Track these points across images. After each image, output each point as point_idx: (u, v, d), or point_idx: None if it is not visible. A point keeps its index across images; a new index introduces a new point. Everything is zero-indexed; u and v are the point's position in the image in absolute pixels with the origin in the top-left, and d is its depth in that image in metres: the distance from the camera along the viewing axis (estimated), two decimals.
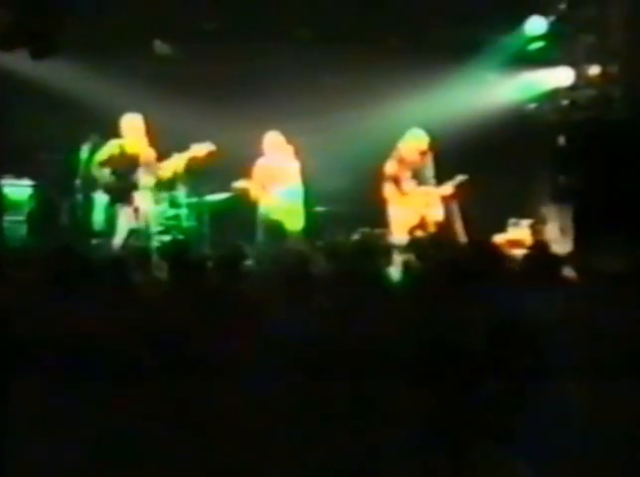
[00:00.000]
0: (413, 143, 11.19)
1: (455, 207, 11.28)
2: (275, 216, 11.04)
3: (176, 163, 10.76)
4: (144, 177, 10.61)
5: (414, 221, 11.05)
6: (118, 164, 10.60)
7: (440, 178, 11.30)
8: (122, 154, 10.61)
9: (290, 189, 11.08)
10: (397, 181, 11.15)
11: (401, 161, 11.17)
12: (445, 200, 11.27)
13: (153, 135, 10.68)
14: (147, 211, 10.68)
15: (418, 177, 11.21)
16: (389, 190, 11.14)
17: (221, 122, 11.54)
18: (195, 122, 11.55)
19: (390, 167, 11.14)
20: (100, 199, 10.84)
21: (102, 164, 10.59)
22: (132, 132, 10.61)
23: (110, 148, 10.63)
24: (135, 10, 12.26)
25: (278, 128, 11.18)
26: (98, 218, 10.92)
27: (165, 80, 12.38)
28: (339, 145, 12.11)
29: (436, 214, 11.20)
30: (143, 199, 10.63)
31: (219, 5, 12.54)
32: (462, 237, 10.94)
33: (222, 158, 10.86)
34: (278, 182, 11.05)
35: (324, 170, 11.94)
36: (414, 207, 11.11)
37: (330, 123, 12.11)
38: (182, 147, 10.84)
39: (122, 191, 10.57)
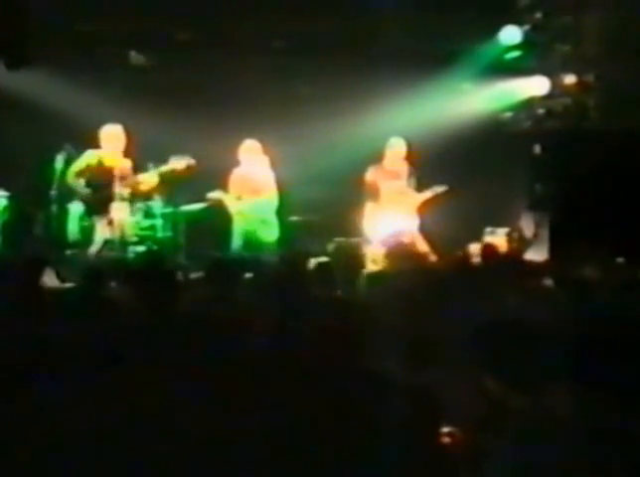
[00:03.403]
0: (393, 152, 11.22)
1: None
2: (250, 226, 11.01)
3: (153, 176, 10.76)
4: (120, 188, 10.58)
5: (389, 230, 11.06)
6: (95, 174, 10.57)
7: (417, 187, 11.33)
8: (99, 164, 10.58)
9: (265, 199, 11.06)
10: (375, 189, 11.16)
11: (381, 170, 11.20)
12: (421, 209, 11.29)
13: (129, 145, 10.65)
14: (122, 221, 10.64)
15: (398, 186, 11.23)
16: (367, 198, 11.16)
17: (196, 132, 11.51)
18: (170, 132, 11.51)
19: (369, 175, 11.17)
20: (75, 210, 10.79)
21: (79, 174, 10.55)
22: (111, 143, 10.58)
23: (87, 158, 10.59)
24: (110, 19, 12.22)
25: (254, 138, 11.17)
26: (73, 229, 10.85)
27: (140, 90, 12.33)
28: (314, 155, 12.07)
29: (412, 223, 11.22)
30: (119, 210, 10.59)
31: (194, 15, 12.49)
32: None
33: (198, 168, 10.84)
34: (253, 192, 11.04)
35: (299, 179, 11.92)
36: (391, 216, 11.12)
37: (306, 133, 12.08)
38: (157, 157, 10.83)
39: (98, 201, 10.53)
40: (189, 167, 10.71)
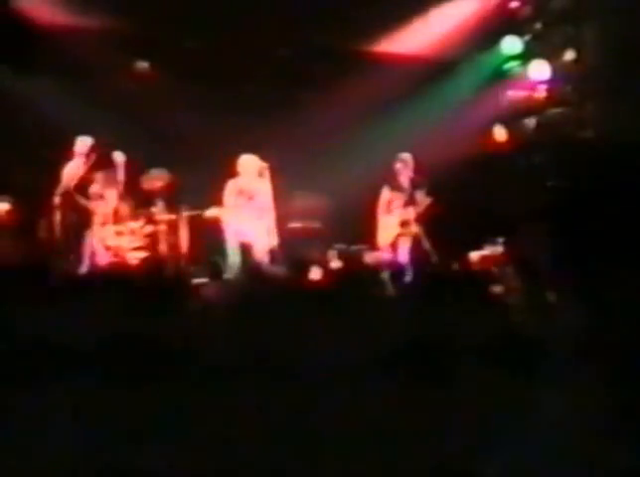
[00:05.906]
0: (402, 165, 11.30)
1: None
2: (247, 236, 11.02)
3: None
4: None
5: (390, 239, 11.17)
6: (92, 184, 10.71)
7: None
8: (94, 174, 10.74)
9: (263, 207, 11.08)
10: (390, 207, 11.29)
11: (389, 187, 11.31)
12: (418, 218, 11.35)
13: (129, 153, 10.76)
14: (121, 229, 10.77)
15: (411, 199, 11.32)
16: (381, 214, 11.27)
17: (200, 140, 11.58)
18: (169, 141, 11.60)
19: (385, 195, 11.26)
20: (78, 217, 10.84)
21: (76, 187, 10.69)
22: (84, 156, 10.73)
23: (80, 170, 10.76)
24: (116, 27, 12.26)
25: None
26: (76, 235, 10.90)
27: (145, 98, 12.37)
28: (316, 162, 12.12)
29: (411, 231, 11.29)
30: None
31: (200, 24, 12.52)
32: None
33: (199, 175, 10.93)
34: (250, 200, 11.06)
35: (300, 186, 11.97)
36: (392, 225, 11.23)
37: (308, 140, 12.13)
38: (159, 164, 10.93)
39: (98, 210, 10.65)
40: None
